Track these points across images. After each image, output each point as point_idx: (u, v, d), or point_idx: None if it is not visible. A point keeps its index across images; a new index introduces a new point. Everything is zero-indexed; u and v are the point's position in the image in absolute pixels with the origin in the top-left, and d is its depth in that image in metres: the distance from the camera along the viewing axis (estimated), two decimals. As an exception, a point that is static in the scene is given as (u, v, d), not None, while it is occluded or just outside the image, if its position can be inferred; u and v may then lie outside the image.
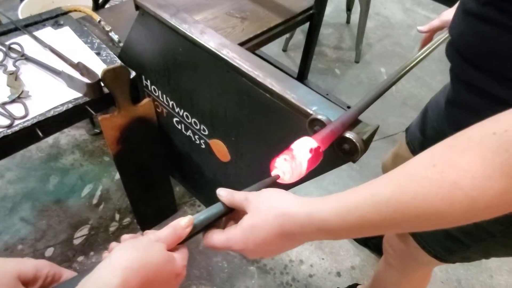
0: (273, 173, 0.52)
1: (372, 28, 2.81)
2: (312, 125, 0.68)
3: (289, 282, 1.38)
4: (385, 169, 1.19)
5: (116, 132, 1.12)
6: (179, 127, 1.14)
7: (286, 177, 0.51)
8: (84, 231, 1.44)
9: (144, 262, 0.36)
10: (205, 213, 0.46)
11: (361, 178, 1.76)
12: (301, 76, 1.91)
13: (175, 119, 1.13)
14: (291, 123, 0.75)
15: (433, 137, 0.88)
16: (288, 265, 1.43)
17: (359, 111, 0.68)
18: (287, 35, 2.44)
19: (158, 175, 1.36)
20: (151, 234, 0.41)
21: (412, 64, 0.84)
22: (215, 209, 0.47)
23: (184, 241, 0.43)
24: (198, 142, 1.10)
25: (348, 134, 0.63)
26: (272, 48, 2.50)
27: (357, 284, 1.33)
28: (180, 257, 0.42)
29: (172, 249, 0.42)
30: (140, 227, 1.46)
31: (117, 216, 1.50)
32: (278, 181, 0.52)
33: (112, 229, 1.46)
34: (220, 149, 1.03)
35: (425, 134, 0.94)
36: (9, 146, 0.92)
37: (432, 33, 1.00)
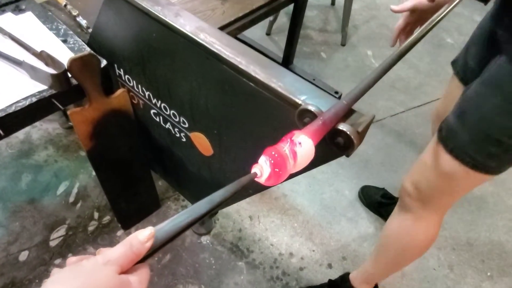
0: (253, 170, 0.45)
1: (358, 10, 2.73)
2: (302, 117, 0.61)
3: (279, 277, 1.33)
4: (437, 113, 1.14)
5: (88, 127, 1.04)
6: (157, 119, 1.05)
7: (262, 179, 0.45)
8: (61, 231, 1.36)
9: None
10: (170, 222, 0.39)
11: (350, 166, 1.71)
12: (286, 61, 1.83)
13: (152, 111, 1.05)
14: (278, 114, 0.68)
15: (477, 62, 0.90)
16: (277, 259, 1.38)
17: (353, 100, 0.61)
18: (271, 18, 2.35)
19: (138, 171, 1.28)
20: (100, 256, 0.34)
21: (407, 48, 0.78)
22: (183, 216, 0.40)
23: (145, 259, 0.36)
24: (178, 135, 1.02)
25: (342, 126, 0.57)
26: (256, 32, 2.41)
27: (348, 273, 1.29)
28: (137, 280, 0.35)
29: (128, 270, 0.35)
30: (122, 226, 1.39)
31: (96, 215, 1.41)
32: (257, 180, 0.45)
33: (91, 228, 1.38)
34: (202, 142, 0.95)
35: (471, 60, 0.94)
36: (-35, 147, 0.83)
37: (407, 20, 0.97)
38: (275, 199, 1.55)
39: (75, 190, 1.47)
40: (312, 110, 0.59)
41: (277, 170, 0.45)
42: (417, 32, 0.86)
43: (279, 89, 0.65)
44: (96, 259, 0.33)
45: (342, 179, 1.66)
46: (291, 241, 1.43)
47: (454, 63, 1.03)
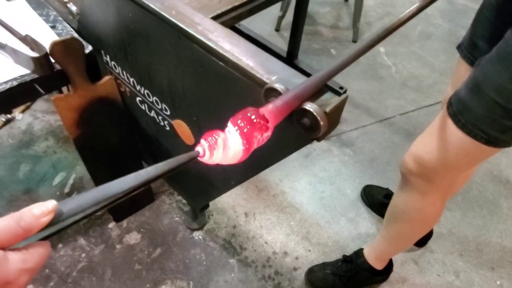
0: (196, 148, 0.41)
1: (372, 6, 2.65)
2: (268, 96, 0.56)
3: (271, 276, 1.28)
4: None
5: (73, 114, 1.02)
6: (143, 107, 1.03)
7: (205, 157, 0.40)
8: (53, 221, 1.35)
9: None
10: (82, 197, 0.34)
11: (354, 164, 1.64)
12: (291, 56, 1.78)
13: (138, 99, 1.02)
14: (249, 95, 0.63)
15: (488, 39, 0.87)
16: (271, 257, 1.32)
17: (323, 78, 0.56)
18: (280, 14, 2.30)
19: (129, 162, 1.26)
20: None
21: (394, 26, 0.72)
22: (99, 191, 0.35)
23: (48, 237, 0.32)
24: (162, 123, 0.99)
25: (307, 106, 0.52)
26: (265, 28, 2.37)
27: (362, 249, 1.27)
28: (20, 258, 0.30)
29: (21, 248, 0.31)
30: (113, 218, 1.37)
31: (90, 206, 1.40)
32: (200, 159, 0.41)
33: (83, 220, 1.36)
34: (184, 130, 0.92)
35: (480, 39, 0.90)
36: None
37: None
38: (273, 196, 1.50)
39: (70, 181, 1.47)
40: (277, 88, 0.54)
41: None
42: (411, 8, 0.80)
43: (247, 68, 0.60)
44: None
45: (344, 177, 1.59)
46: (286, 239, 1.37)
47: (460, 47, 0.98)
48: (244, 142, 0.43)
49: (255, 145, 0.45)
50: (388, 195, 1.45)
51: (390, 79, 2.10)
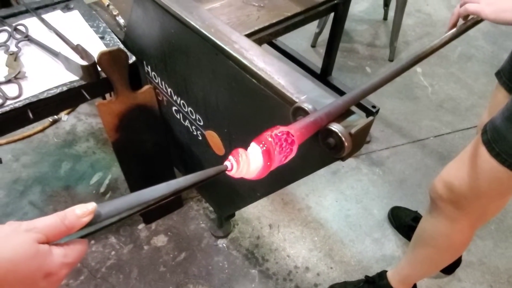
0: (226, 162, 0.44)
1: (411, 25, 2.62)
2: (296, 115, 0.59)
3: (292, 290, 1.28)
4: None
5: (114, 119, 1.08)
6: (178, 116, 1.08)
7: (233, 171, 0.43)
8: (88, 219, 1.42)
9: None
10: (119, 201, 0.38)
11: (383, 184, 1.62)
12: (325, 72, 1.79)
13: (174, 108, 1.07)
14: (278, 113, 0.66)
15: None
16: (292, 271, 1.33)
17: (352, 100, 0.58)
18: (316, 30, 2.33)
19: (161, 167, 1.31)
20: (26, 222, 0.34)
21: (430, 50, 0.73)
22: (134, 197, 0.39)
23: (86, 236, 0.36)
24: (195, 133, 1.04)
25: (333, 126, 0.54)
26: (301, 44, 2.40)
27: (385, 271, 1.25)
28: (62, 253, 0.34)
29: (62, 244, 0.35)
30: (143, 219, 1.43)
31: (122, 206, 1.47)
32: (228, 173, 0.44)
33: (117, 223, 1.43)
34: (215, 141, 0.96)
35: None
36: (-2, 126, 0.90)
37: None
38: (298, 210, 1.51)
39: (106, 182, 1.54)
40: (305, 107, 0.57)
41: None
42: (450, 32, 0.81)
43: (278, 86, 0.63)
44: (19, 224, 0.33)
45: (372, 197, 1.57)
46: (309, 255, 1.38)
47: (498, 74, 0.97)
48: (265, 159, 0.46)
49: (276, 164, 0.48)
50: (416, 218, 1.42)
51: (425, 100, 2.07)
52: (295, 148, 0.50)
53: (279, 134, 0.45)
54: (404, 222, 1.45)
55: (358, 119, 0.58)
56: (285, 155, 0.48)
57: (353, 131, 0.54)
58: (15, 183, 1.51)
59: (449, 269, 1.34)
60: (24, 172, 1.55)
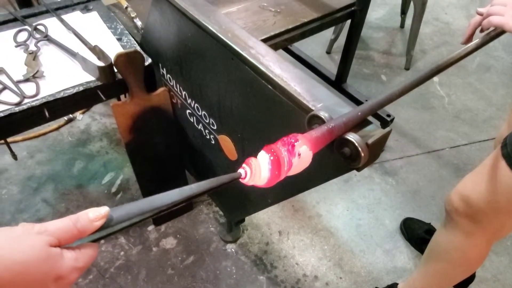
0: (239, 170, 0.43)
1: (429, 34, 2.59)
2: (311, 123, 0.58)
3: (299, 299, 1.27)
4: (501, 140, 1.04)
5: (128, 120, 1.09)
6: (192, 120, 1.08)
7: (246, 179, 0.42)
8: (99, 218, 1.43)
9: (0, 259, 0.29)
10: (131, 205, 0.37)
11: (396, 194, 1.60)
12: (340, 79, 1.78)
13: (188, 111, 1.07)
14: (293, 120, 0.65)
15: None
16: (301, 280, 1.31)
17: (369, 110, 0.57)
18: (332, 37, 2.32)
19: (173, 169, 1.31)
20: (38, 224, 0.33)
21: (451, 61, 0.71)
22: (146, 202, 0.38)
23: (97, 240, 0.36)
24: (208, 137, 1.04)
25: (350, 136, 0.53)
26: (316, 49, 2.39)
27: (396, 284, 1.23)
28: (73, 257, 0.34)
29: (73, 247, 0.34)
30: (153, 221, 1.43)
31: (133, 207, 1.47)
32: (242, 181, 0.43)
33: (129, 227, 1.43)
34: (228, 146, 0.95)
35: None
36: (15, 124, 0.91)
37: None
38: (309, 217, 1.49)
39: (118, 182, 1.55)
40: (322, 116, 0.56)
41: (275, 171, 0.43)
42: (470, 44, 0.79)
43: (294, 94, 0.62)
44: (32, 226, 0.33)
45: (384, 207, 1.55)
46: (318, 263, 1.36)
47: None
48: (273, 168, 0.45)
49: (284, 174, 0.46)
50: (429, 230, 1.39)
51: (441, 110, 2.03)
52: (309, 157, 0.49)
53: (290, 144, 0.44)
54: (416, 234, 1.42)
55: (375, 130, 0.57)
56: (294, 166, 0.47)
57: (370, 141, 0.53)
58: (29, 180, 1.53)
59: (462, 285, 1.31)
60: (38, 170, 1.57)
